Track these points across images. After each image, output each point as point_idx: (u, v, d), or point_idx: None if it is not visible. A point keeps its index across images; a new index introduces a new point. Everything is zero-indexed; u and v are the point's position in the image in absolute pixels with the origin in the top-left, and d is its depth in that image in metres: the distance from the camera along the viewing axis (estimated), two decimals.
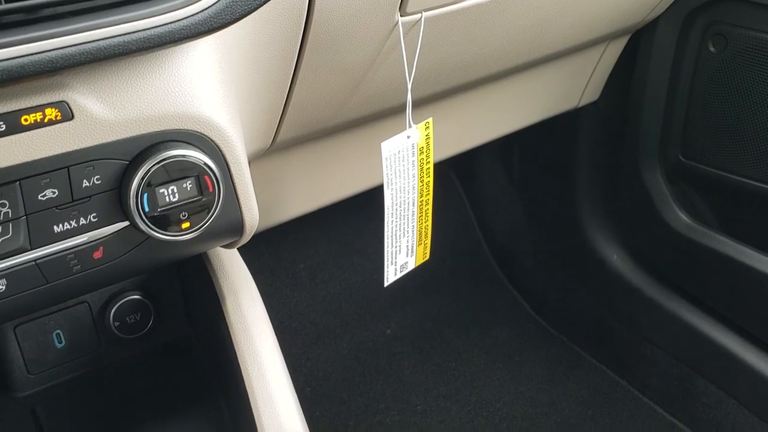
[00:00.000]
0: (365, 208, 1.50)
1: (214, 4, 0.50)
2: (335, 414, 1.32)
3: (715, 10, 1.11)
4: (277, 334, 0.68)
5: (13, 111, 0.49)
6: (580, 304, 1.49)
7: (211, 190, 0.57)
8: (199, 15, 0.50)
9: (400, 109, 0.91)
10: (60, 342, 0.75)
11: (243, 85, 0.66)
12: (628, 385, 1.40)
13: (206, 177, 0.56)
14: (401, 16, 0.72)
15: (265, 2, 0.53)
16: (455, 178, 1.65)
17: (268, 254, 1.46)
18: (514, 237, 1.59)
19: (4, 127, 0.49)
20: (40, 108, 0.50)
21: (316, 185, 1.02)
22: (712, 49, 1.14)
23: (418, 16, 0.73)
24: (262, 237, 1.02)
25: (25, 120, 0.50)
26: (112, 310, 0.76)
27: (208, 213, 0.58)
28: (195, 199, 0.57)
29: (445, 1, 0.75)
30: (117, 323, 0.76)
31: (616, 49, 1.23)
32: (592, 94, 1.30)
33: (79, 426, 0.73)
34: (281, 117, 0.78)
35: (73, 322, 0.75)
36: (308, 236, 1.51)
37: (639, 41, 1.21)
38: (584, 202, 1.42)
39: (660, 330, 1.35)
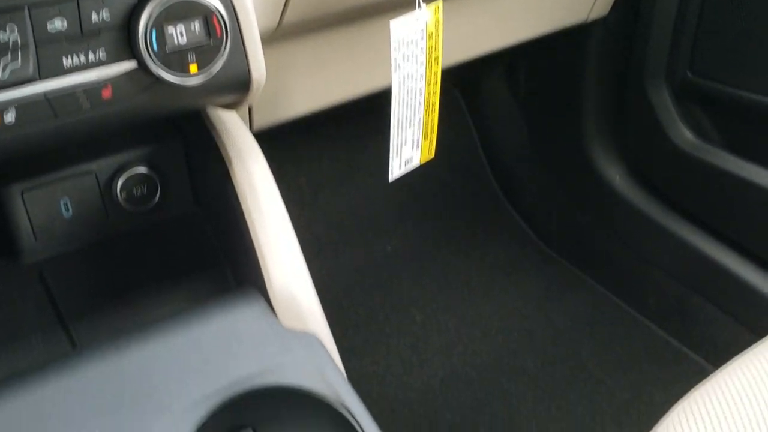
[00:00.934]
0: (367, 125, 1.49)
1: None
2: (335, 322, 1.33)
3: None
4: None
5: None
6: (581, 225, 1.50)
7: (219, 35, 0.57)
8: None
9: (409, 2, 0.90)
10: (67, 211, 0.76)
11: None
12: (625, 304, 1.42)
13: (214, 18, 0.56)
14: None
15: None
16: (460, 98, 1.64)
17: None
18: (518, 158, 1.59)
19: None
20: None
21: (322, 81, 1.01)
22: None
23: None
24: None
25: None
26: (119, 182, 0.77)
27: (216, 57, 0.58)
28: (203, 42, 0.57)
29: None
30: (123, 194, 0.77)
31: None
32: (601, 8, 1.28)
33: (87, 291, 0.74)
34: None
35: (81, 192, 0.76)
36: (311, 153, 1.51)
37: None
38: (589, 121, 1.42)
39: (659, 249, 1.36)
